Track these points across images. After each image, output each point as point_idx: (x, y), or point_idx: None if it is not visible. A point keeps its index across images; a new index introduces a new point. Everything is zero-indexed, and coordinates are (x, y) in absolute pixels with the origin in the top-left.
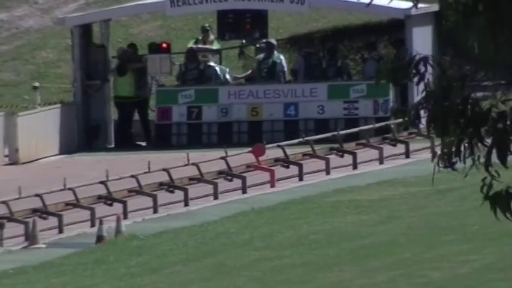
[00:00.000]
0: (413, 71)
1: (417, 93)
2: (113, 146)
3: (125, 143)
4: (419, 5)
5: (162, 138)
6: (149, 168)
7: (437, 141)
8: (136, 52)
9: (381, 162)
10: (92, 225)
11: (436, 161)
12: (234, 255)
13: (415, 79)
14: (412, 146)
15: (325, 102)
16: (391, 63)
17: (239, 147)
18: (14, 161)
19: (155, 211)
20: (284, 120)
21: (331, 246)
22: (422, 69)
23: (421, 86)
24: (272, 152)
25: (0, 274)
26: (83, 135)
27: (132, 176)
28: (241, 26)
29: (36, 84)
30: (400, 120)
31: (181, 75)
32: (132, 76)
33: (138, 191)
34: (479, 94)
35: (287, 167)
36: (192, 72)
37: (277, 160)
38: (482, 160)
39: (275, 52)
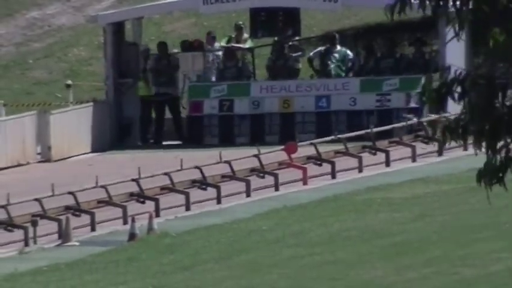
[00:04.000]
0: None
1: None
2: (141, 143)
3: (146, 141)
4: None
5: (193, 131)
6: (181, 165)
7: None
8: (165, 50)
9: (414, 160)
10: (124, 222)
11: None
12: (266, 252)
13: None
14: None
15: (357, 94)
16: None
17: (271, 138)
18: (46, 159)
19: (187, 209)
20: (316, 112)
21: (363, 244)
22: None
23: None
24: (305, 149)
25: (34, 271)
26: (115, 133)
27: (165, 174)
28: (273, 23)
29: (69, 82)
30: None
31: (218, 72)
32: (148, 74)
33: (171, 189)
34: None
35: (320, 164)
36: (230, 70)
37: (309, 158)
38: None
39: (337, 45)
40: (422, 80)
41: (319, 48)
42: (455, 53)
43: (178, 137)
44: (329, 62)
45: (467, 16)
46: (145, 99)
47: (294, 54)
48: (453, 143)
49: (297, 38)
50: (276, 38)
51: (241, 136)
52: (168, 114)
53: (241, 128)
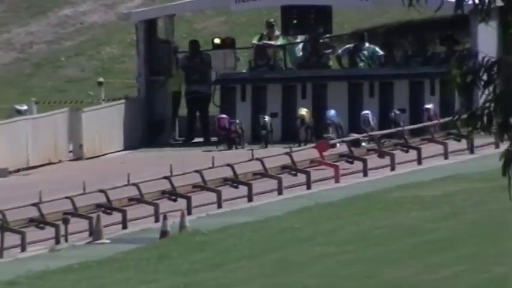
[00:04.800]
0: (485, 75)
1: (481, 94)
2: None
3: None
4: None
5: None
6: (213, 163)
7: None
8: (197, 48)
9: (446, 158)
10: (156, 220)
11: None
12: (297, 250)
13: (482, 83)
14: (477, 142)
15: None
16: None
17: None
18: (78, 157)
19: (219, 206)
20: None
21: (394, 242)
22: (494, 73)
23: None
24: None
25: (65, 269)
26: (147, 130)
27: (196, 171)
28: (305, 21)
29: (101, 79)
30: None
31: (250, 70)
32: (180, 72)
33: (203, 187)
34: None
35: (351, 162)
36: (262, 69)
37: (341, 155)
38: None
39: (366, 42)
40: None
41: (348, 46)
42: (487, 51)
43: (204, 135)
44: (358, 60)
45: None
46: (176, 97)
47: (325, 51)
48: (484, 140)
49: (327, 35)
50: (306, 36)
51: (273, 133)
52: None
53: (273, 125)
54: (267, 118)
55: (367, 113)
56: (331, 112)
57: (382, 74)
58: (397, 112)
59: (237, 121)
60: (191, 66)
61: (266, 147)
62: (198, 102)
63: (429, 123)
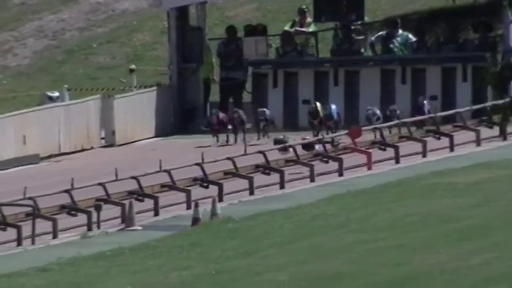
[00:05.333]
0: None
1: None
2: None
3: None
4: None
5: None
6: (245, 150)
7: None
8: (234, 35)
9: (478, 145)
10: (188, 207)
11: None
12: (330, 237)
13: None
14: (509, 129)
15: None
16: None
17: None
18: (110, 144)
19: (251, 193)
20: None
21: (426, 229)
22: None
23: None
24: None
25: (97, 256)
26: (178, 117)
27: (228, 158)
28: (337, 8)
29: (133, 67)
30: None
31: (278, 57)
32: (210, 59)
33: (234, 174)
34: None
35: (384, 149)
36: (290, 55)
37: (374, 142)
38: None
39: (399, 29)
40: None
41: (381, 33)
42: None
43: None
44: (391, 46)
45: None
46: (209, 84)
47: (357, 38)
48: None
49: (359, 22)
50: (338, 23)
51: (305, 120)
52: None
53: (305, 112)
54: (267, 111)
55: (371, 109)
56: (333, 107)
57: (414, 60)
58: (392, 109)
59: (239, 111)
60: (227, 52)
61: (264, 137)
62: (232, 89)
63: (461, 109)
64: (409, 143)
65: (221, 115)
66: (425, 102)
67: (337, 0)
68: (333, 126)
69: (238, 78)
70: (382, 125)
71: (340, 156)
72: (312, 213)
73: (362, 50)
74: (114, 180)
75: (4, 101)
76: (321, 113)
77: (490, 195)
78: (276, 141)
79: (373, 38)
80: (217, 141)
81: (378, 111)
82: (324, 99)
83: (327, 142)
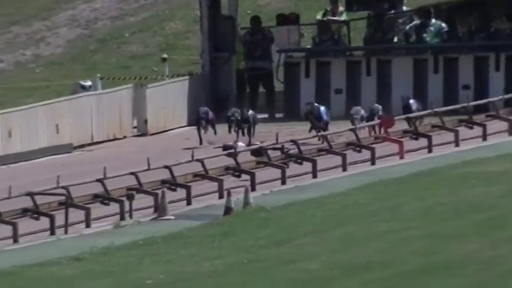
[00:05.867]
0: None
1: None
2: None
3: None
4: None
5: (290, 108)
6: (277, 139)
7: None
8: (259, 24)
9: (510, 134)
10: (220, 196)
11: None
12: (361, 226)
13: None
14: None
15: None
16: None
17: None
18: (142, 133)
19: (283, 183)
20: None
21: (458, 218)
22: None
23: None
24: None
25: (130, 245)
26: (210, 106)
27: (260, 147)
28: None
29: (165, 56)
30: None
31: (314, 46)
32: (240, 48)
33: (267, 163)
34: None
35: (416, 138)
36: (326, 44)
37: (406, 132)
38: None
39: (432, 18)
40: None
41: (415, 22)
42: None
43: (271, 111)
44: (425, 35)
45: None
46: (239, 73)
47: (390, 27)
48: None
49: (392, 11)
50: (371, 12)
51: (337, 109)
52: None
53: (337, 101)
54: (250, 112)
55: (358, 109)
56: (321, 108)
57: (447, 49)
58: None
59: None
60: (253, 42)
61: (249, 139)
62: (259, 78)
63: (493, 98)
64: (442, 133)
65: (210, 114)
66: (411, 101)
67: None
68: (323, 127)
69: (265, 68)
70: (414, 114)
71: (373, 145)
72: (344, 202)
73: (395, 39)
74: (147, 170)
75: (37, 90)
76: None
77: None
78: (225, 148)
79: (407, 28)
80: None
81: (362, 111)
82: (356, 88)
83: (277, 149)
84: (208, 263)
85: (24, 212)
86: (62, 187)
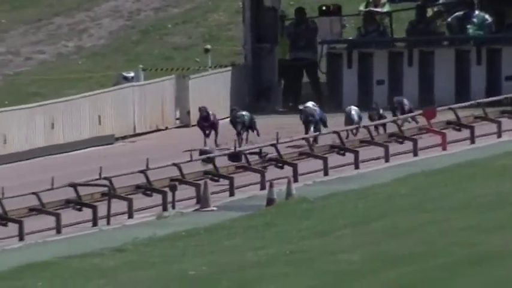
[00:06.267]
0: None
1: None
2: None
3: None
4: None
5: (332, 99)
6: (320, 130)
7: None
8: (303, 16)
9: None
10: (262, 188)
11: None
12: (403, 217)
13: None
14: None
15: None
16: None
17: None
18: (185, 124)
19: (326, 174)
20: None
21: (500, 209)
22: None
23: None
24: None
25: (172, 236)
26: (253, 97)
27: (303, 139)
28: None
29: (208, 46)
30: None
31: (359, 36)
32: (284, 39)
33: (309, 154)
34: None
35: (459, 129)
36: (372, 35)
37: (448, 123)
38: None
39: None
40: None
41: (458, 13)
42: None
43: (318, 101)
44: (468, 26)
45: None
46: (282, 64)
47: (434, 18)
48: None
49: (436, 2)
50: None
51: (379, 100)
52: (305, 79)
53: (379, 93)
54: (245, 112)
55: (351, 109)
56: (316, 110)
57: (490, 40)
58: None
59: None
60: (297, 33)
61: (240, 144)
62: (303, 69)
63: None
64: (484, 124)
65: (211, 116)
66: (405, 101)
67: None
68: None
69: (309, 58)
70: (456, 105)
71: (415, 136)
72: (386, 194)
73: (437, 31)
74: (189, 161)
75: (80, 81)
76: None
77: None
78: (201, 152)
79: (449, 19)
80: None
81: (356, 116)
82: (398, 79)
83: (254, 153)
84: (251, 253)
85: (67, 203)
86: (105, 178)
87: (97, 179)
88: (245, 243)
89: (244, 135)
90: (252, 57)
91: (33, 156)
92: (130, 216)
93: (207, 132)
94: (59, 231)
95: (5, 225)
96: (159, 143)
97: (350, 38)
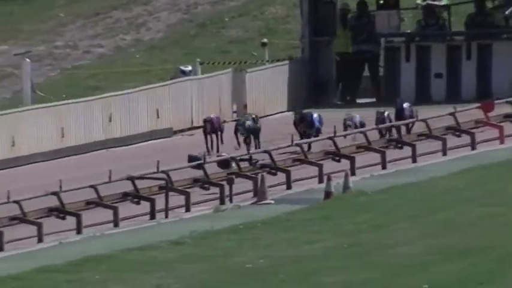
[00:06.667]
0: None
1: None
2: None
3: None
4: None
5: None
6: (376, 123)
7: None
8: (365, 9)
9: None
10: (320, 181)
11: None
12: (461, 211)
13: None
14: None
15: None
16: None
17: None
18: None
19: (383, 167)
20: None
21: None
22: None
23: None
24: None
25: (229, 229)
26: (311, 91)
27: (361, 132)
28: None
29: (265, 40)
30: None
31: (420, 29)
32: (347, 33)
33: (367, 147)
34: None
35: None
36: (432, 28)
37: (507, 116)
38: None
39: None
40: None
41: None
42: None
43: (375, 95)
44: None
45: None
46: (343, 57)
47: (492, 11)
48: None
49: None
50: None
51: (437, 94)
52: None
53: (437, 86)
54: (247, 122)
55: (352, 117)
56: (314, 115)
57: None
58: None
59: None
60: (359, 26)
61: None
62: (365, 62)
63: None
64: None
65: (214, 119)
66: (405, 105)
67: None
68: (314, 134)
69: (371, 51)
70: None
71: (473, 130)
72: (444, 187)
73: (497, 23)
74: (246, 154)
75: (137, 75)
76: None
77: None
78: (190, 159)
79: (507, 12)
80: (208, 150)
81: (357, 117)
82: (456, 73)
83: (243, 160)
84: (308, 247)
85: (125, 196)
86: (162, 171)
87: (154, 172)
88: (302, 236)
89: (248, 141)
90: (310, 50)
91: (91, 149)
92: (188, 210)
93: (212, 138)
94: (116, 225)
95: (63, 218)
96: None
97: (408, 32)
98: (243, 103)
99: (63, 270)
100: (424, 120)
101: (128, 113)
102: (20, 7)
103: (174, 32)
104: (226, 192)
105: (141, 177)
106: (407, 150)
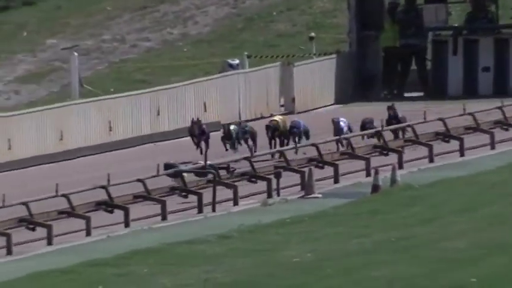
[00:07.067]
0: None
1: None
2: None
3: (390, 93)
4: None
5: (437, 87)
6: (425, 117)
7: None
8: (413, 2)
9: None
10: (367, 175)
11: None
12: (509, 205)
13: None
14: None
15: None
16: None
17: None
18: (290, 111)
19: (431, 161)
20: None
21: None
22: None
23: None
24: None
25: (276, 223)
26: (358, 85)
27: (408, 126)
28: None
29: (312, 34)
30: None
31: (468, 22)
32: (395, 27)
33: (414, 141)
34: None
35: None
36: (480, 22)
37: None
38: None
39: None
40: None
41: None
42: None
43: (423, 89)
44: None
45: None
46: (391, 51)
47: None
48: None
49: None
50: None
51: (485, 87)
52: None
53: (484, 80)
54: (232, 126)
55: (340, 120)
56: (300, 122)
57: None
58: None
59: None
60: (406, 20)
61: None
62: (413, 56)
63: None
64: None
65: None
66: (341, 123)
67: None
68: (297, 139)
69: (419, 45)
70: (198, 165)
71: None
72: (492, 181)
73: None
74: (293, 148)
75: (185, 68)
76: (281, 127)
77: None
78: (166, 166)
79: None
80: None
81: (343, 123)
82: (504, 67)
83: (222, 168)
84: (356, 241)
85: (172, 190)
86: (210, 165)
87: (202, 166)
88: (350, 230)
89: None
90: (357, 45)
91: (138, 143)
92: (236, 203)
93: (200, 143)
94: (164, 218)
95: (111, 212)
96: (264, 130)
97: (455, 25)
98: (290, 97)
99: (111, 263)
100: (471, 114)
101: (176, 106)
102: (68, 1)
103: (222, 26)
104: (274, 186)
105: (189, 171)
106: (454, 144)
